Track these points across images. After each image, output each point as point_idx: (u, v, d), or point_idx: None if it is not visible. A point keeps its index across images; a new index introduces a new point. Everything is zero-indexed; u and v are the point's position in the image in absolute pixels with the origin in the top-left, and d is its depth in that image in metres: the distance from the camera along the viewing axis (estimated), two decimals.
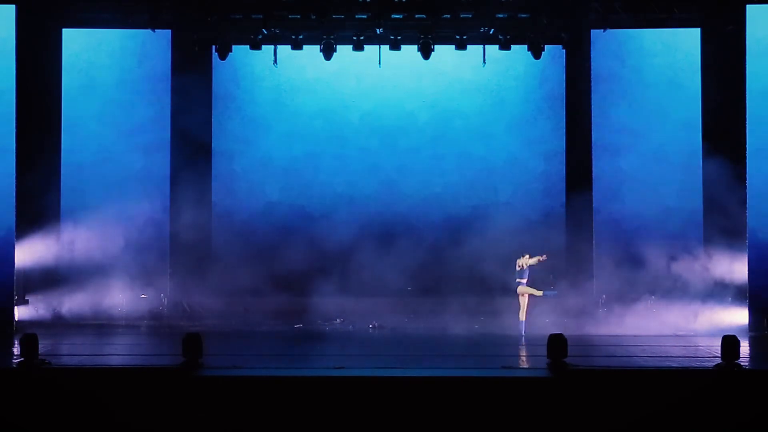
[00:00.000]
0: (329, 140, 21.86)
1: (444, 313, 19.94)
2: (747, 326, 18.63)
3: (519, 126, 21.80)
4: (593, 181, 20.84)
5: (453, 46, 20.37)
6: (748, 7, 19.06)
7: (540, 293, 18.54)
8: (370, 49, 20.55)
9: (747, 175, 19.07)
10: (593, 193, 20.78)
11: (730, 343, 13.63)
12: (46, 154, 20.33)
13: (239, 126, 21.85)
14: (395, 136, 21.85)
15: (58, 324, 19.57)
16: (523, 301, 18.44)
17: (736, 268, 19.14)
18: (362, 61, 20.96)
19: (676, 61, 20.72)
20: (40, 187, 19.93)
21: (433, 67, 21.00)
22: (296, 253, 20.67)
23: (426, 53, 20.16)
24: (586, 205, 20.77)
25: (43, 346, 14.52)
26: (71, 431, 12.88)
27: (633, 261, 20.02)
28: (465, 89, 21.78)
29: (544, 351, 13.96)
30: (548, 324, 18.58)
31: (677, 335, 18.36)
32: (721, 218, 19.25)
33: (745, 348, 15.67)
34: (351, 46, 20.31)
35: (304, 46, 20.44)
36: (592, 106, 20.80)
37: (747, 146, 19.10)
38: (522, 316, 18.43)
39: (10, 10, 19.21)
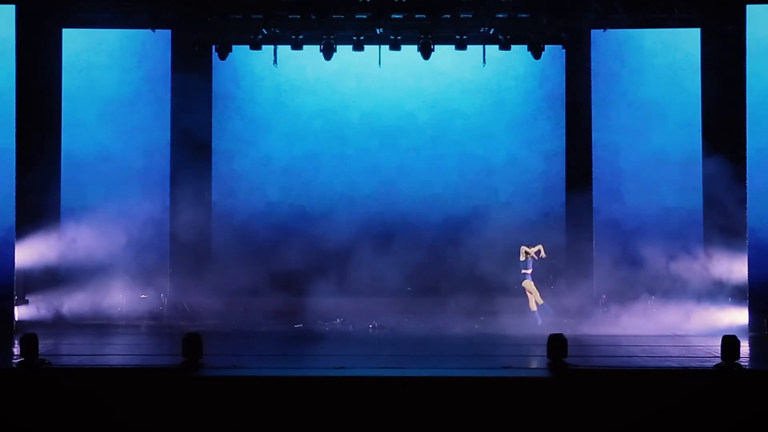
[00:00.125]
0: (329, 140, 21.84)
1: (444, 313, 19.95)
2: (747, 326, 18.59)
3: (519, 126, 21.79)
4: (593, 181, 20.84)
5: (453, 46, 20.36)
6: (748, 7, 19.02)
7: (541, 302, 18.79)
8: (370, 49, 20.55)
9: (747, 175, 19.03)
10: (593, 193, 20.78)
11: (729, 343, 13.61)
12: (46, 154, 20.31)
13: (239, 126, 21.84)
14: (395, 136, 21.84)
15: (58, 324, 19.54)
16: (530, 294, 18.72)
17: (736, 268, 19.11)
18: (362, 61, 20.95)
19: (676, 61, 20.69)
20: (41, 186, 19.90)
21: (433, 67, 20.99)
22: (296, 253, 20.68)
23: (426, 53, 20.17)
24: (586, 205, 20.78)
25: (43, 346, 14.51)
26: (71, 431, 12.88)
27: (633, 261, 20.04)
28: (465, 89, 21.76)
29: (544, 351, 13.97)
30: (548, 324, 18.60)
31: (677, 335, 18.34)
32: (721, 218, 19.24)
33: (745, 348, 15.63)
34: (351, 46, 20.30)
35: (304, 46, 20.44)
36: (592, 106, 20.78)
37: (747, 146, 19.06)
38: (533, 306, 18.66)
39: (10, 10, 19.16)
